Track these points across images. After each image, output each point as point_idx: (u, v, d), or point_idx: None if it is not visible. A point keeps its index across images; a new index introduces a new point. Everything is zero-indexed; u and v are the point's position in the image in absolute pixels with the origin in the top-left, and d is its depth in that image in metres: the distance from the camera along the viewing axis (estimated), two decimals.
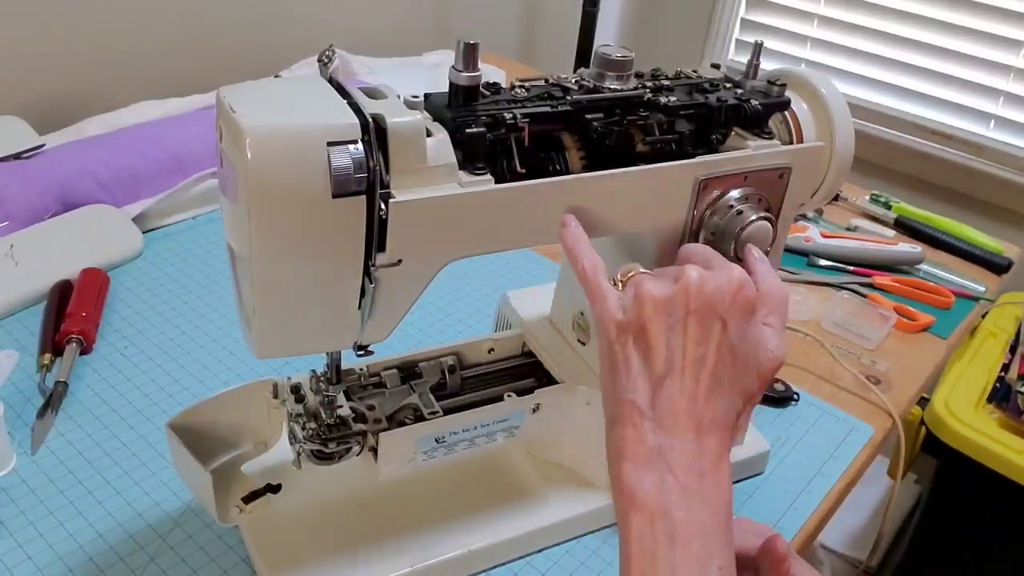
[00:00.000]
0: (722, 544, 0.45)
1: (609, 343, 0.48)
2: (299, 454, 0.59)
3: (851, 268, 1.07)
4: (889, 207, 1.19)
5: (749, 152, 0.59)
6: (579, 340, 0.68)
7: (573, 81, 0.57)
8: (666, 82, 0.60)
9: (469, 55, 0.51)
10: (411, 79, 1.29)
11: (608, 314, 0.48)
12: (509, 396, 0.64)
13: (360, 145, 0.47)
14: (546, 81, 0.57)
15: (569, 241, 0.52)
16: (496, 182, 0.52)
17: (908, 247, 1.09)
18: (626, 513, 0.45)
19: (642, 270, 0.50)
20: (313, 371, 0.61)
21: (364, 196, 0.47)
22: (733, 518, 0.46)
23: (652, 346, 0.47)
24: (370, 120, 0.47)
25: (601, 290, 0.49)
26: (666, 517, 0.44)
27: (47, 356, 0.77)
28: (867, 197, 1.22)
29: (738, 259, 0.59)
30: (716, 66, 0.65)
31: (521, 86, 0.56)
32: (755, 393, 0.49)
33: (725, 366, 0.47)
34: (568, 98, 0.55)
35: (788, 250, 1.07)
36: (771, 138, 0.61)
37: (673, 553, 0.44)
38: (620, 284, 0.50)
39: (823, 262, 1.08)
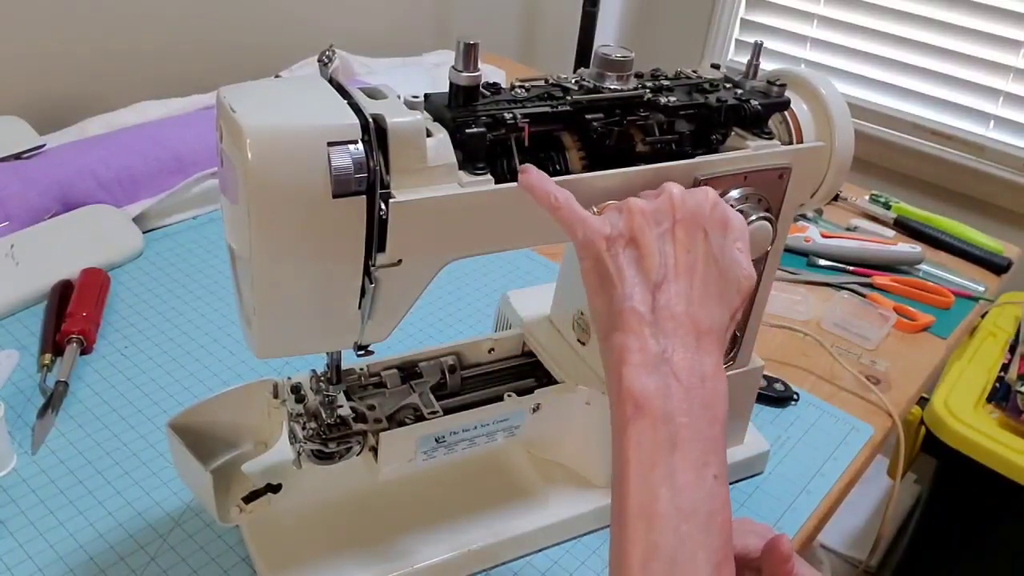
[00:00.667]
0: (719, 453, 0.45)
1: (596, 258, 0.48)
2: (299, 454, 0.59)
3: (851, 268, 1.07)
4: (889, 207, 1.19)
5: (749, 152, 0.59)
6: (579, 340, 0.68)
7: (573, 81, 0.57)
8: (666, 82, 0.60)
9: (469, 55, 0.51)
10: (411, 79, 1.29)
11: (594, 231, 0.48)
12: (509, 396, 0.64)
13: (360, 145, 0.47)
14: (546, 81, 0.57)
15: (534, 180, 0.51)
16: (496, 182, 0.52)
17: (908, 247, 1.09)
18: (627, 419, 0.45)
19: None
20: (313, 371, 0.61)
21: (364, 196, 0.47)
22: (733, 518, 0.46)
23: (645, 253, 0.47)
24: (370, 120, 0.47)
25: (580, 214, 0.49)
26: (669, 422, 0.44)
27: (47, 356, 0.77)
28: (867, 197, 1.22)
29: None
30: (716, 66, 0.65)
31: (521, 86, 0.56)
32: (737, 309, 0.49)
33: (712, 276, 0.48)
34: (568, 98, 0.55)
35: (788, 250, 1.07)
36: (771, 138, 0.61)
37: (673, 457, 0.44)
38: (597, 213, 0.50)
39: (823, 262, 1.08)
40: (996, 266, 1.12)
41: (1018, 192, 1.62)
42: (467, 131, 0.51)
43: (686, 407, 0.45)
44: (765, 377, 0.83)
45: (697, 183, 0.57)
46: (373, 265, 0.50)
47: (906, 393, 0.89)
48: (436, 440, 0.61)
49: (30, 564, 0.61)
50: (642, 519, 0.43)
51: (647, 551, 0.42)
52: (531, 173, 0.52)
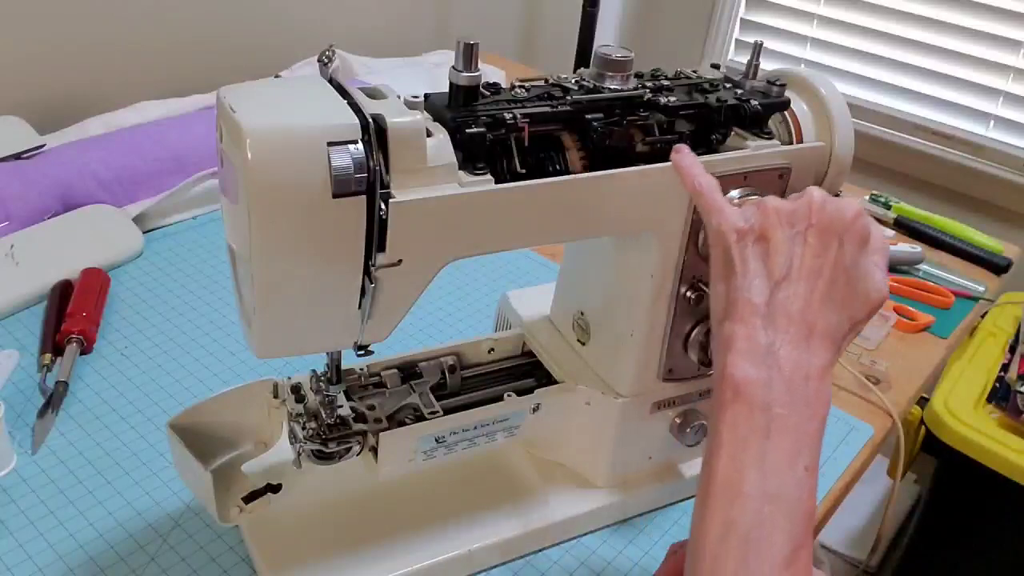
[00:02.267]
0: (813, 448, 0.46)
1: (726, 248, 0.49)
2: (299, 454, 0.59)
3: None
4: (889, 207, 1.19)
5: (749, 152, 0.59)
6: (579, 340, 0.68)
7: (573, 81, 0.57)
8: (666, 82, 0.60)
9: (469, 55, 0.51)
10: (411, 79, 1.29)
11: (728, 222, 0.50)
12: (509, 396, 0.64)
13: (360, 145, 0.47)
14: (546, 81, 0.57)
15: (685, 162, 0.53)
16: (496, 182, 0.52)
17: (908, 247, 1.09)
18: (726, 402, 0.46)
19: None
20: (313, 371, 0.61)
21: (364, 196, 0.47)
22: None
23: (772, 251, 0.49)
24: (370, 120, 0.47)
25: (718, 203, 0.51)
26: (766, 411, 0.45)
27: (47, 356, 0.77)
28: (867, 197, 1.22)
29: None
30: (716, 66, 0.65)
31: (521, 86, 0.56)
32: (860, 322, 0.49)
33: (838, 284, 0.48)
34: (568, 98, 0.55)
35: None
36: (771, 138, 0.61)
37: (766, 443, 0.45)
38: (737, 204, 0.52)
39: None
40: (996, 266, 1.12)
41: (1018, 192, 1.62)
42: (467, 131, 0.51)
43: (786, 400, 0.46)
44: None
45: None
46: (373, 265, 0.50)
47: (906, 393, 0.89)
48: (436, 440, 0.61)
49: (30, 564, 0.61)
50: (726, 495, 0.45)
51: (726, 525, 0.44)
52: (684, 154, 0.54)
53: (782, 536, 0.43)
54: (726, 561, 0.43)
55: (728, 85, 0.62)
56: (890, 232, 1.15)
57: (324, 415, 0.59)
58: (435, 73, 1.34)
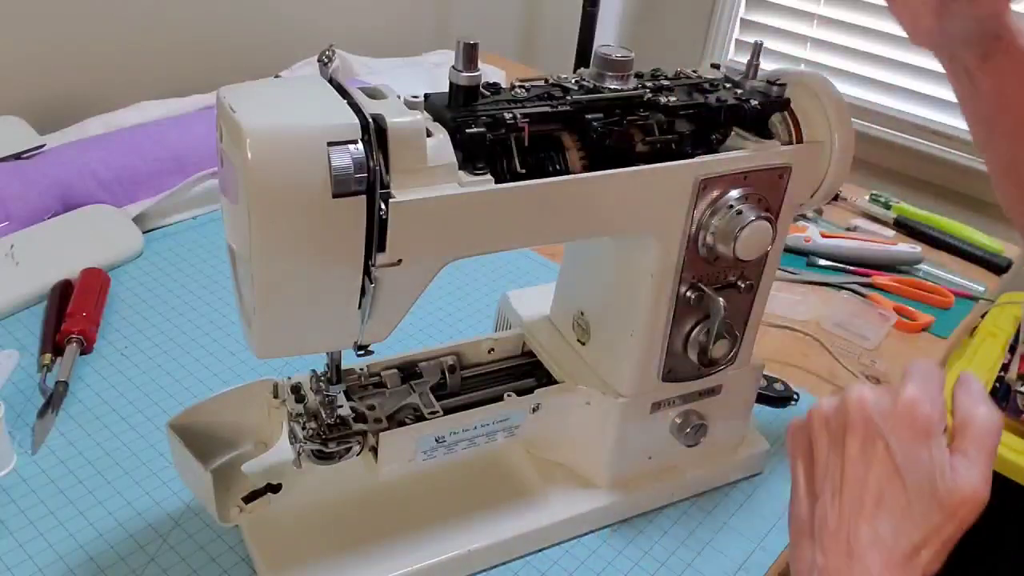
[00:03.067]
0: None
1: (792, 458, 0.50)
2: (299, 454, 0.59)
3: (851, 268, 1.07)
4: (889, 207, 1.19)
5: (749, 152, 0.59)
6: (579, 340, 0.68)
7: (573, 81, 0.57)
8: (666, 82, 0.60)
9: (469, 55, 0.51)
10: (411, 79, 1.29)
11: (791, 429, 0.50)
12: (509, 396, 0.64)
13: (360, 145, 0.47)
14: (546, 81, 0.57)
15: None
16: (496, 182, 0.52)
17: (908, 247, 1.09)
18: None
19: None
20: (313, 371, 0.61)
21: (364, 196, 0.47)
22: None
23: (814, 463, 0.48)
24: (370, 120, 0.47)
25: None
26: None
27: (47, 356, 0.77)
28: (867, 197, 1.22)
29: (739, 260, 0.59)
30: (716, 66, 0.65)
31: (521, 86, 0.56)
32: (940, 526, 0.44)
33: (890, 491, 0.44)
34: (568, 98, 0.55)
35: (788, 250, 1.07)
36: (771, 138, 0.61)
37: None
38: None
39: (823, 262, 1.08)
40: (996, 266, 1.12)
41: None
42: (467, 131, 0.51)
43: None
44: (765, 377, 0.83)
45: (697, 183, 0.57)
46: (373, 265, 0.50)
47: None
48: (436, 440, 0.61)
49: (30, 564, 0.61)
50: None
51: None
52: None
53: None
54: None
55: (728, 85, 0.62)
56: (890, 232, 1.15)
57: (324, 415, 0.59)
58: (435, 73, 1.34)
